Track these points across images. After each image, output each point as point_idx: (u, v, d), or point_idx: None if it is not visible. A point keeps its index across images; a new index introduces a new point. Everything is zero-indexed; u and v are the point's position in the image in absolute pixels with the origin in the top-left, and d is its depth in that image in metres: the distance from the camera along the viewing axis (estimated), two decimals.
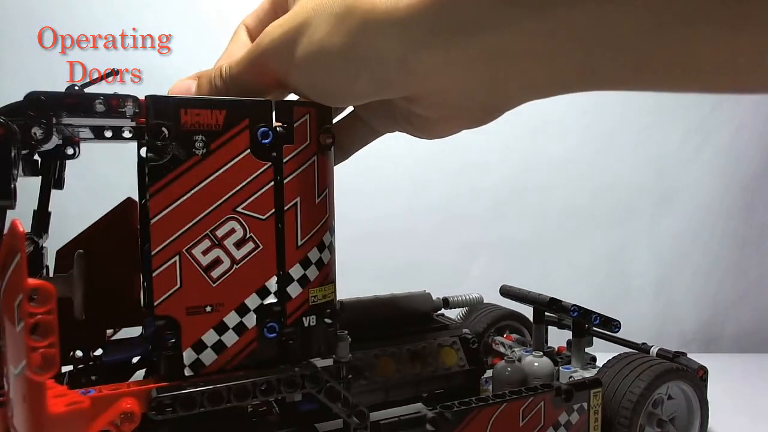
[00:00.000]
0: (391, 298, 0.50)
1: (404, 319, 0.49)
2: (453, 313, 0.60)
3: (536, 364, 0.46)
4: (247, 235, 0.34)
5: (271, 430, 0.41)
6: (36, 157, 0.41)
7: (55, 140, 0.34)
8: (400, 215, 0.85)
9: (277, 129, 0.34)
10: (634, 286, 0.86)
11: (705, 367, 0.48)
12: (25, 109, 0.29)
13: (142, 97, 0.32)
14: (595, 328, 0.54)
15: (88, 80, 0.35)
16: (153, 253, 0.32)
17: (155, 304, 0.32)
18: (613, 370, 0.45)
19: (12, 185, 0.29)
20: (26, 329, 0.25)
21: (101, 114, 0.31)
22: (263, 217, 0.34)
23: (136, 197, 0.54)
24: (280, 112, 0.35)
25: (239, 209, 0.34)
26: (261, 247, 0.34)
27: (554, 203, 0.89)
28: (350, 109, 0.44)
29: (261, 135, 0.34)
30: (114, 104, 0.31)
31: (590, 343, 0.54)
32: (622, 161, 0.88)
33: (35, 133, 0.30)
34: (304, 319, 0.36)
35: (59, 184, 0.45)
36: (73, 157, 0.45)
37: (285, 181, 0.35)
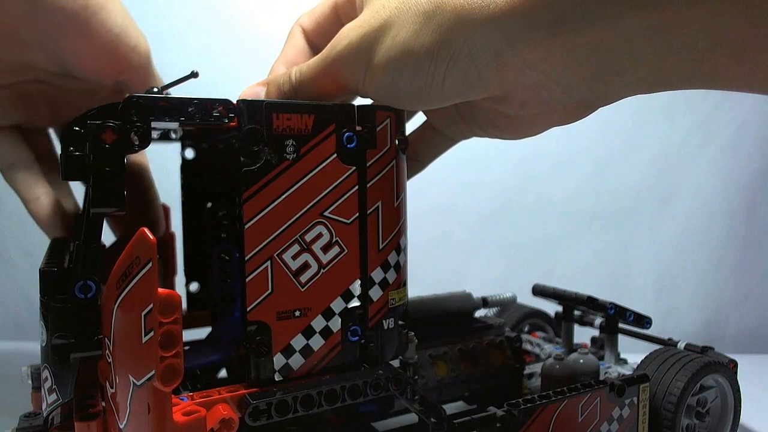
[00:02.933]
0: (435, 299, 0.50)
1: (450, 319, 0.50)
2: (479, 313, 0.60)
3: (582, 361, 0.48)
4: (333, 239, 0.34)
5: (330, 430, 0.42)
6: None
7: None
8: None
9: (360, 134, 0.35)
10: (636, 286, 0.88)
11: (735, 360, 0.50)
12: (124, 112, 0.29)
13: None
14: (624, 325, 0.56)
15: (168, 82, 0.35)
16: (246, 258, 0.32)
17: (248, 309, 0.32)
18: (654, 364, 0.47)
19: (124, 192, 0.28)
20: (156, 339, 0.25)
21: (195, 118, 0.31)
22: (348, 222, 0.34)
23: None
24: (362, 117, 0.35)
25: (326, 213, 0.34)
26: (346, 251, 0.34)
27: (555, 202, 0.90)
28: (422, 119, 0.44)
29: (346, 140, 0.34)
30: (208, 108, 0.31)
31: None
32: (624, 160, 0.89)
33: (134, 138, 0.29)
34: (384, 321, 0.36)
35: None
36: None
37: (368, 186, 0.35)
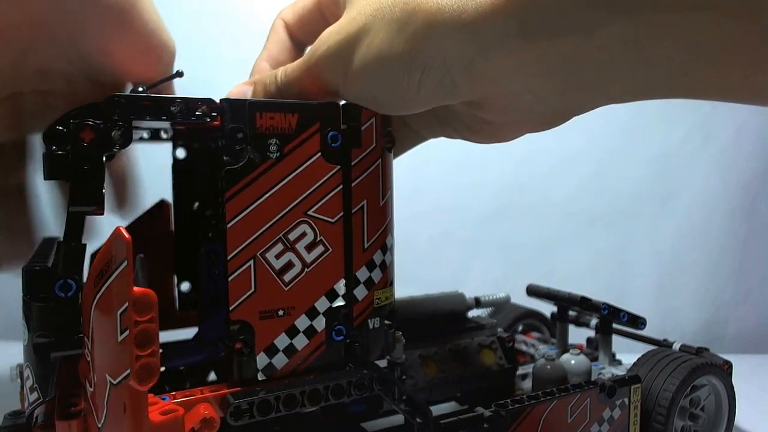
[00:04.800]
0: (427, 299, 0.50)
1: (441, 319, 0.50)
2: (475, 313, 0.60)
3: (573, 361, 0.47)
4: (318, 239, 0.34)
5: (319, 430, 0.41)
6: None
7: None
8: (399, 216, 0.84)
9: (345, 132, 0.34)
10: (636, 286, 0.88)
11: (729, 361, 0.50)
12: (106, 111, 0.29)
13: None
14: (619, 326, 0.55)
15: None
16: (229, 257, 0.32)
17: (231, 308, 0.32)
18: (647, 366, 0.47)
19: (103, 189, 0.28)
20: (131, 338, 0.25)
21: (177, 117, 0.31)
22: (332, 221, 0.34)
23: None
24: (347, 116, 0.35)
25: (310, 213, 0.34)
26: (330, 250, 0.34)
27: (555, 202, 0.89)
28: None
29: (331, 138, 0.34)
30: (190, 107, 0.31)
31: None
32: (624, 161, 0.88)
33: (115, 136, 0.29)
34: (369, 321, 0.36)
35: None
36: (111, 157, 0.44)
37: (353, 184, 0.35)
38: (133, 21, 0.39)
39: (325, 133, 0.34)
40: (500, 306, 0.61)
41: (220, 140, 0.31)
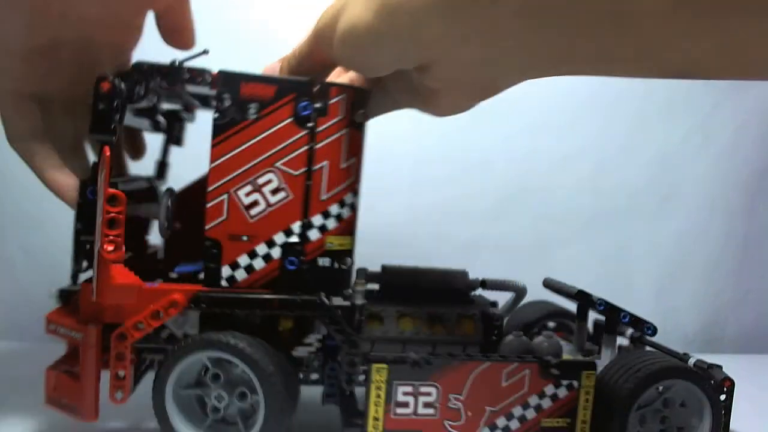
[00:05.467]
0: (430, 270, 0.55)
1: (439, 290, 0.54)
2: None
3: (546, 344, 0.49)
4: (281, 186, 0.43)
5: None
6: (161, 118, 0.55)
7: (152, 100, 0.46)
8: (400, 215, 0.86)
9: (316, 104, 0.43)
10: (636, 286, 0.87)
11: (731, 379, 0.47)
12: (131, 74, 0.42)
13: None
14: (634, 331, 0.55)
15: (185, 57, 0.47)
16: (208, 189, 0.42)
17: (206, 228, 0.43)
18: (620, 360, 0.48)
19: (113, 125, 0.41)
20: (104, 222, 0.36)
21: (185, 82, 0.43)
22: (296, 173, 0.43)
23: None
24: (319, 91, 0.43)
25: (277, 165, 0.43)
26: (291, 196, 0.43)
27: (555, 203, 0.89)
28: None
29: (301, 108, 0.43)
30: (194, 75, 0.43)
31: None
32: (624, 160, 0.88)
33: (137, 92, 0.42)
34: (319, 259, 0.44)
35: (179, 142, 0.58)
36: (190, 120, 0.58)
37: (317, 147, 0.43)
38: None
39: (297, 102, 0.43)
40: (518, 293, 0.62)
41: (213, 101, 0.42)
